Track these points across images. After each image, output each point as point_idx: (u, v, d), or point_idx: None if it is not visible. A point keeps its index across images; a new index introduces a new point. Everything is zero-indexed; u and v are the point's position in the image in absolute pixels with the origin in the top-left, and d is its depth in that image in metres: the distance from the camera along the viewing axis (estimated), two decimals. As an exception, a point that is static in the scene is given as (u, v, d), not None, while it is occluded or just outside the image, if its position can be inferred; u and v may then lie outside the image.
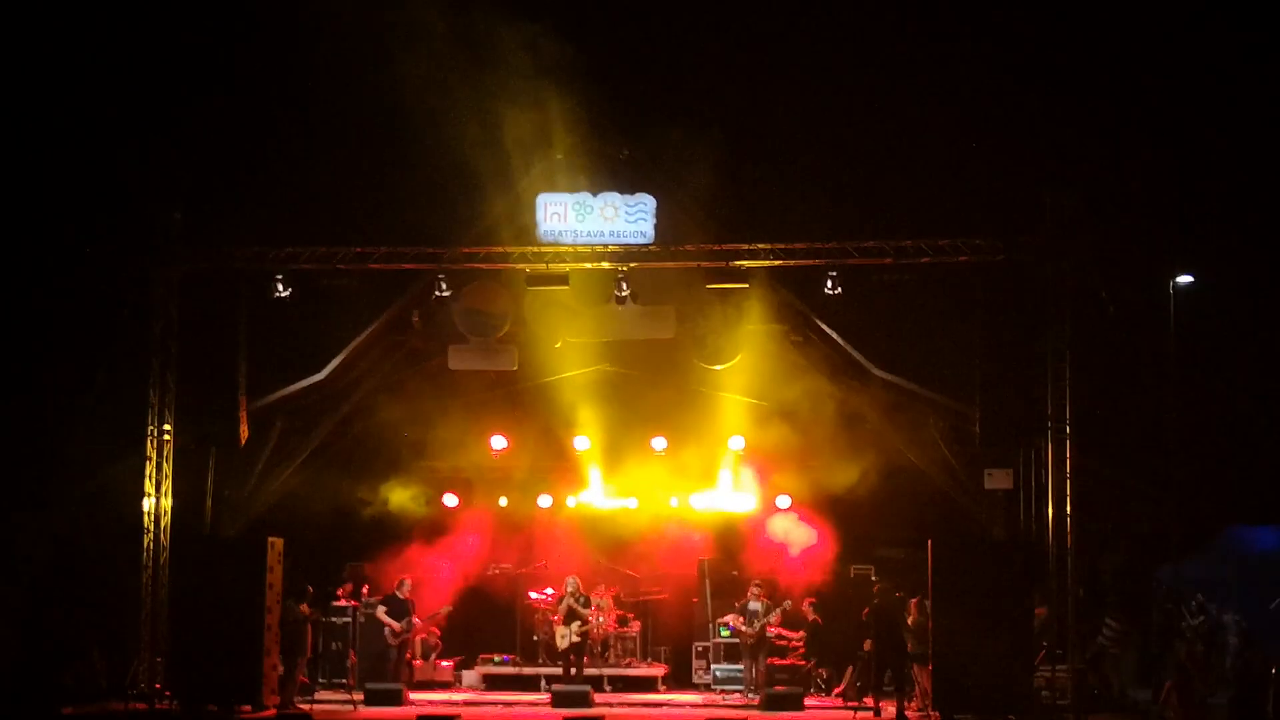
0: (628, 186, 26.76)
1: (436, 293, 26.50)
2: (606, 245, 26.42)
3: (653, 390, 29.32)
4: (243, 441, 26.95)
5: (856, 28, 29.33)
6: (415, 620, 27.89)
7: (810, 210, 26.71)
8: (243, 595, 24.25)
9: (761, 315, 27.64)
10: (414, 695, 26.89)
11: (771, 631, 27.49)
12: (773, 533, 30.16)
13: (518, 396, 29.74)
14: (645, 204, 26.59)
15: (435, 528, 30.45)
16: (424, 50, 26.77)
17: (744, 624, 27.47)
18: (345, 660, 28.08)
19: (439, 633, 29.22)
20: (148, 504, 25.63)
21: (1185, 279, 27.19)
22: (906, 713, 24.36)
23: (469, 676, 29.07)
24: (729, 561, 30.37)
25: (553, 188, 26.89)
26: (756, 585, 27.78)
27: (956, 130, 28.20)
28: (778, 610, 27.41)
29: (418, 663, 28.60)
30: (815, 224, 26.22)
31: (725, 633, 28.51)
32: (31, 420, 27.21)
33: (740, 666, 27.89)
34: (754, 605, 27.50)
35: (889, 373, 27.28)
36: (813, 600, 28.26)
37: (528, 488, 31.01)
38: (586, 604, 28.07)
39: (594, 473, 30.88)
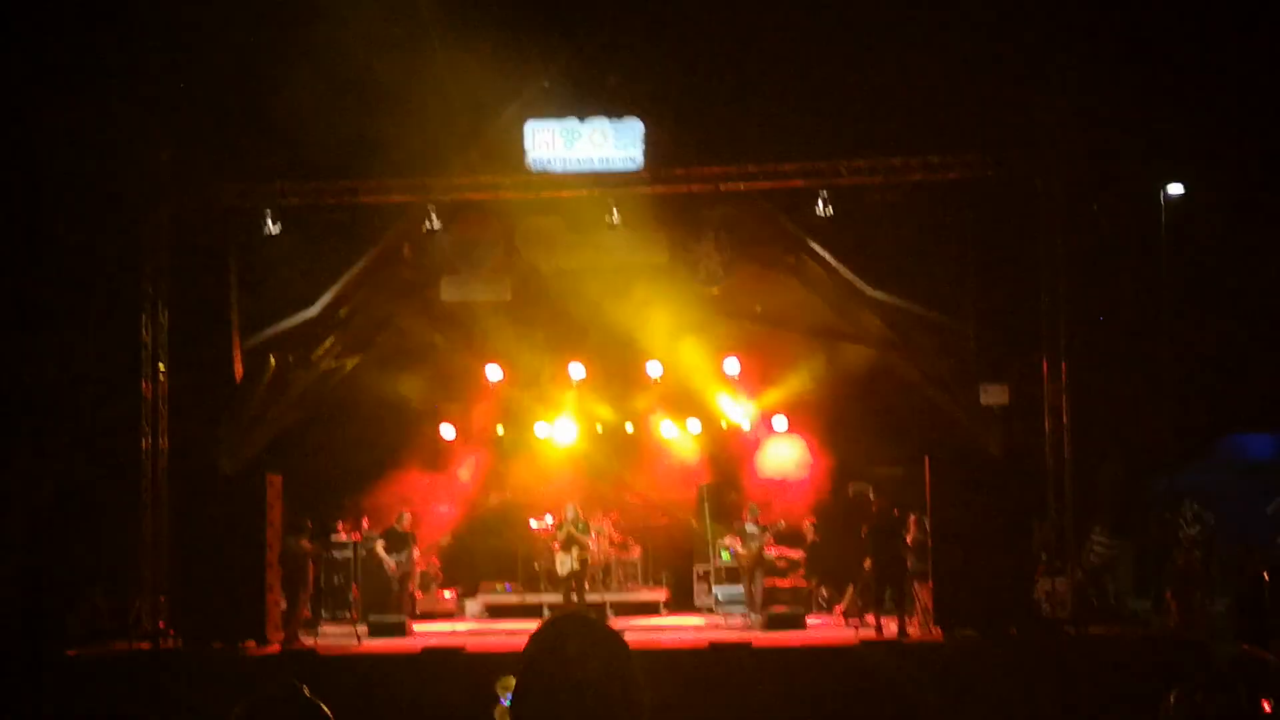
0: (616, 112, 26.66)
1: (427, 224, 26.44)
2: (596, 172, 26.35)
3: (647, 315, 29.31)
4: (238, 379, 26.96)
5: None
6: (416, 552, 28.00)
7: (799, 130, 26.60)
8: (243, 532, 24.29)
9: (754, 237, 27.61)
10: (417, 626, 27.02)
11: (771, 552, 27.62)
12: (770, 453, 30.27)
13: (511, 326, 29.70)
14: (634, 129, 26.49)
15: (433, 459, 30.52)
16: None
17: (740, 546, 27.59)
18: (348, 594, 28.20)
19: (439, 563, 29.33)
20: (144, 443, 25.64)
21: (1176, 188, 27.17)
22: (908, 629, 24.48)
23: (471, 606, 29.21)
24: (727, 484, 30.49)
25: (541, 115, 26.80)
26: (752, 508, 27.90)
27: (943, 44, 28.02)
28: (776, 531, 27.52)
29: (419, 594, 28.72)
30: (804, 144, 26.13)
31: (726, 555, 28.63)
32: (26, 362, 27.15)
33: (742, 588, 28.03)
34: (750, 528, 27.60)
35: (883, 291, 27.28)
36: (812, 520, 28.38)
37: (524, 416, 31.09)
38: (586, 530, 28.16)
39: (590, 399, 30.96)
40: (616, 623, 27.10)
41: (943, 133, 26.13)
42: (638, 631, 26.47)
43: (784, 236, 27.78)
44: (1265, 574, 23.01)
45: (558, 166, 26.49)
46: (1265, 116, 28.58)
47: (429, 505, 29.94)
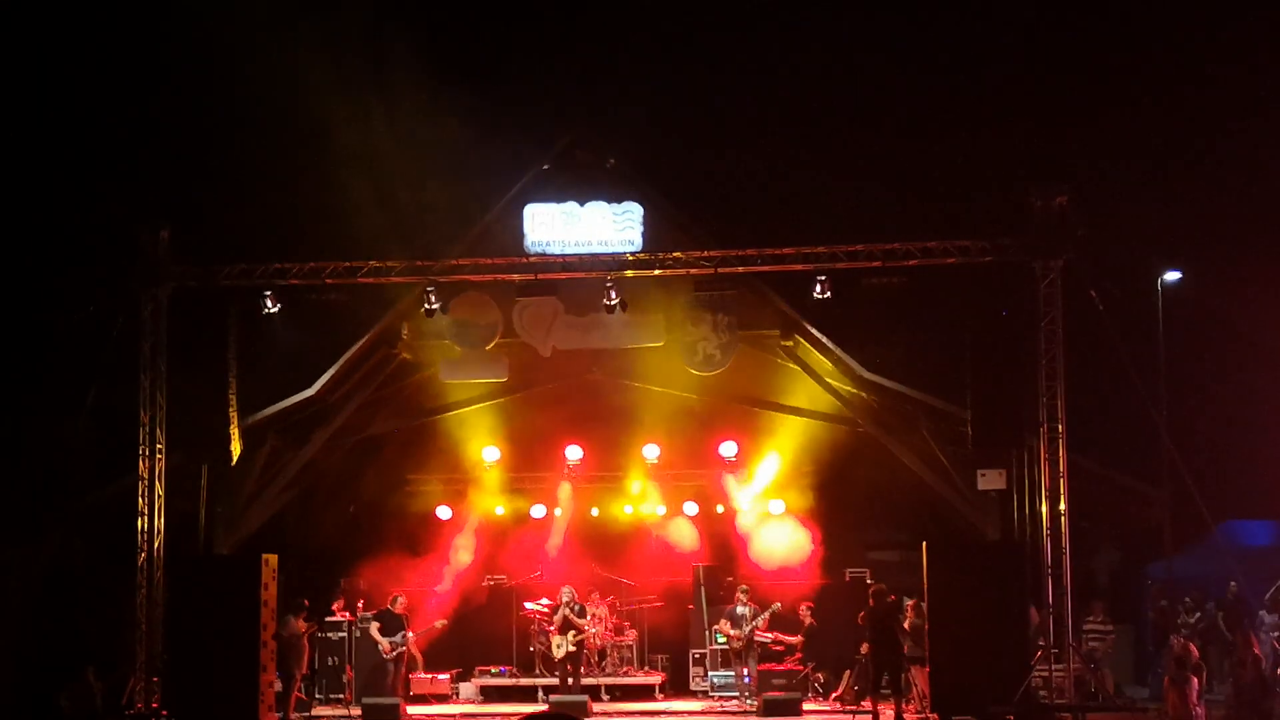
0: (615, 196, 26.78)
1: (426, 305, 26.47)
2: (595, 255, 26.41)
3: (644, 398, 29.33)
4: (235, 458, 26.88)
5: (840, 36, 29.39)
6: (410, 635, 27.88)
7: (798, 215, 26.73)
8: (238, 612, 24.09)
9: (751, 321, 27.65)
10: (411, 709, 26.87)
11: (767, 636, 27.52)
12: (766, 537, 30.19)
13: (509, 407, 29.72)
14: (633, 213, 26.61)
15: (429, 540, 30.43)
16: (409, 66, 26.82)
17: (731, 629, 27.49)
18: (342, 675, 28.04)
19: (420, 656, 29.06)
20: (141, 523, 25.56)
21: (1173, 275, 27.23)
22: (905, 715, 24.36)
23: (466, 689, 29.03)
24: (724, 568, 30.41)
25: (540, 198, 26.92)
26: (742, 590, 27.82)
27: (942, 133, 28.24)
28: (765, 614, 27.43)
29: (414, 676, 28.55)
30: (803, 228, 26.22)
31: (721, 639, 28.51)
32: (23, 442, 27.13)
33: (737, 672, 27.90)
34: (741, 610, 27.52)
35: (880, 375, 27.30)
36: (809, 604, 28.29)
37: (521, 498, 31.06)
38: (582, 613, 28.03)
39: (587, 481, 30.93)
40: (611, 707, 27.03)
41: (941, 218, 26.23)
42: (633, 716, 26.35)
43: (782, 320, 27.83)
44: (1263, 660, 22.92)
45: (556, 249, 26.60)
46: (1262, 204, 28.75)
47: (424, 587, 29.82)
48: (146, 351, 25.72)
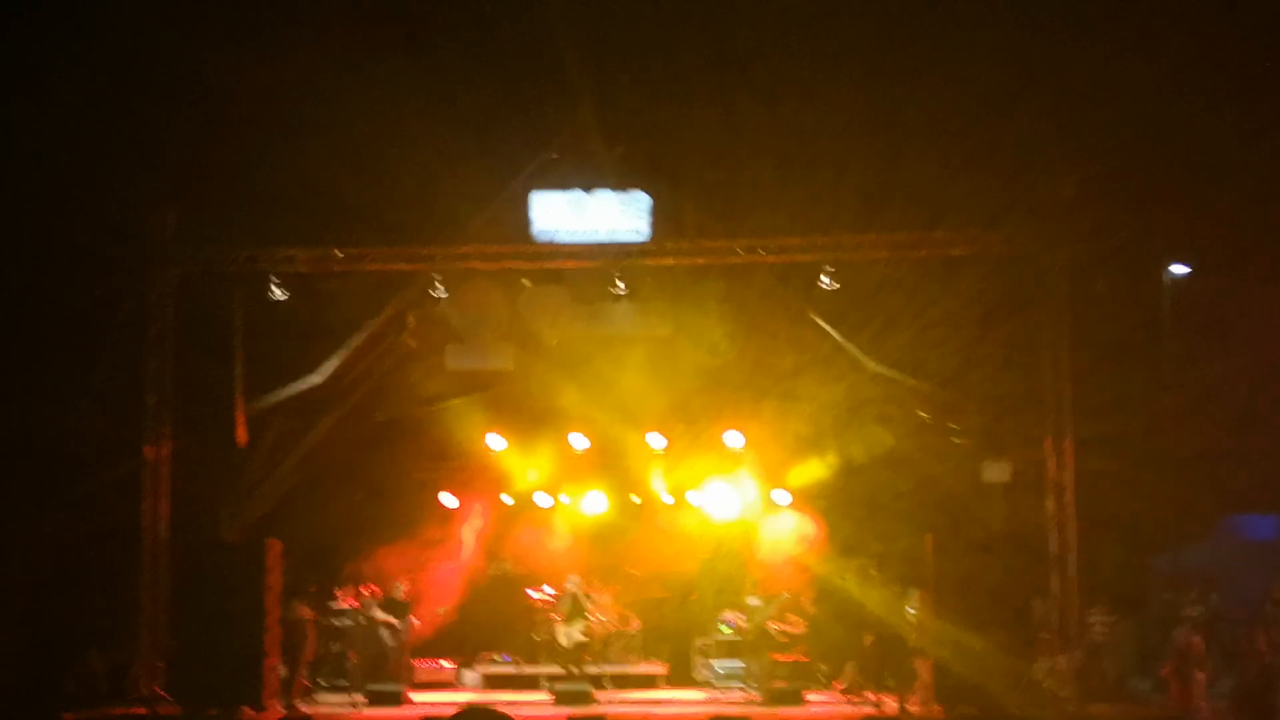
0: (623, 183, 26.74)
1: (432, 293, 26.48)
2: (602, 243, 26.39)
3: (650, 387, 29.27)
4: (241, 444, 26.92)
5: (849, 22, 29.29)
6: (413, 620, 27.90)
7: (806, 204, 26.67)
8: (242, 597, 24.14)
9: (758, 311, 27.63)
10: (415, 696, 26.87)
11: (774, 626, 27.54)
12: (771, 527, 30.16)
13: (515, 395, 29.70)
14: (640, 200, 26.58)
15: (434, 528, 30.41)
16: (416, 49, 26.78)
17: (743, 620, 27.50)
18: (346, 662, 28.04)
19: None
20: (146, 507, 25.58)
21: (1180, 268, 27.20)
22: (908, 706, 24.34)
23: (470, 676, 29.04)
24: (728, 558, 30.36)
25: (547, 185, 26.87)
26: (753, 581, 27.83)
27: (950, 122, 28.14)
28: (774, 605, 27.45)
29: (418, 663, 28.58)
30: (811, 218, 26.19)
31: (726, 630, 28.50)
32: (28, 424, 27.14)
33: (739, 662, 27.87)
34: (753, 601, 27.53)
35: (886, 366, 27.27)
36: (812, 595, 28.27)
37: (526, 486, 31.01)
38: (587, 602, 28.04)
39: (592, 471, 30.90)
40: (615, 696, 27.03)
41: (949, 209, 26.18)
42: (636, 705, 26.34)
43: (788, 310, 27.80)
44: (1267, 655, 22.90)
45: (564, 237, 26.59)
46: (1272, 197, 28.66)
47: (429, 574, 29.82)
48: (153, 335, 25.77)
